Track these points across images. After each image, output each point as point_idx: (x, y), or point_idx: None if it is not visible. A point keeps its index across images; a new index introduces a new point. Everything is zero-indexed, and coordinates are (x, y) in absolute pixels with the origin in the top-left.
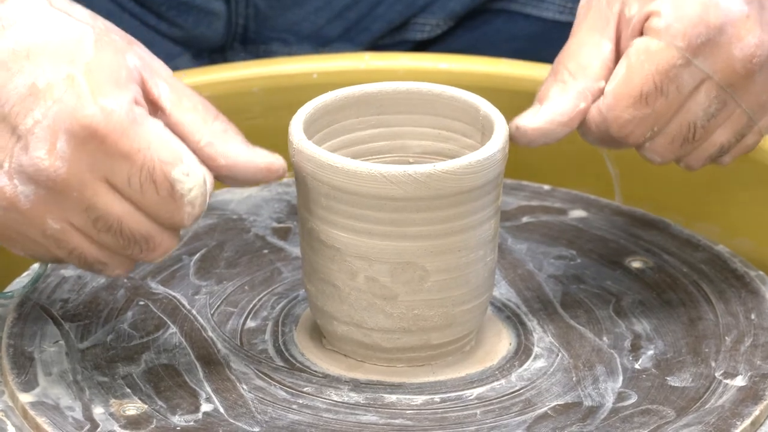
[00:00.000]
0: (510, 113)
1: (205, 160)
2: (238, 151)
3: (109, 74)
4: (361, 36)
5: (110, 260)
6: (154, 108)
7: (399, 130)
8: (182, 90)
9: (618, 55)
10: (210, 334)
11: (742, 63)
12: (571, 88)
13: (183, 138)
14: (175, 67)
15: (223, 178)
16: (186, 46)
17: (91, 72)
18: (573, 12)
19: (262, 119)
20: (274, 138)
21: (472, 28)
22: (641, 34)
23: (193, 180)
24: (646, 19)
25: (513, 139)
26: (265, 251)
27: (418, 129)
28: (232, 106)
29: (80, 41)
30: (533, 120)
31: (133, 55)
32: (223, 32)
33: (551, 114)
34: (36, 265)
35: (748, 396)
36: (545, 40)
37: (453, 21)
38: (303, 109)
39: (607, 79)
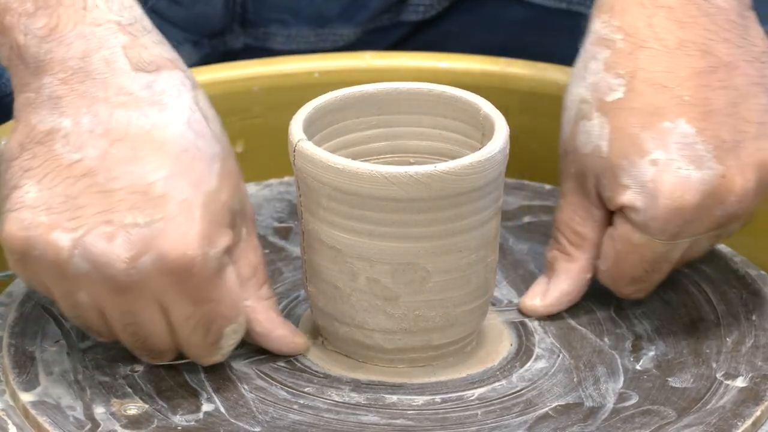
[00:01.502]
0: (510, 112)
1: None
2: (274, 324)
3: (220, 215)
4: (358, 15)
5: (110, 339)
6: (229, 251)
7: (399, 130)
8: (252, 244)
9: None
10: None
11: (727, 217)
12: (575, 265)
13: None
14: None
15: (249, 338)
16: (187, 30)
17: (207, 207)
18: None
19: (262, 118)
20: (274, 137)
21: (466, 11)
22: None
23: (237, 338)
24: (622, 207)
25: (523, 312)
26: (266, 251)
27: (418, 129)
28: (232, 105)
29: (210, 165)
30: (544, 301)
31: (239, 194)
32: (222, 12)
33: (559, 295)
34: None
35: (749, 397)
36: (538, 26)
37: (447, 1)
38: (303, 109)
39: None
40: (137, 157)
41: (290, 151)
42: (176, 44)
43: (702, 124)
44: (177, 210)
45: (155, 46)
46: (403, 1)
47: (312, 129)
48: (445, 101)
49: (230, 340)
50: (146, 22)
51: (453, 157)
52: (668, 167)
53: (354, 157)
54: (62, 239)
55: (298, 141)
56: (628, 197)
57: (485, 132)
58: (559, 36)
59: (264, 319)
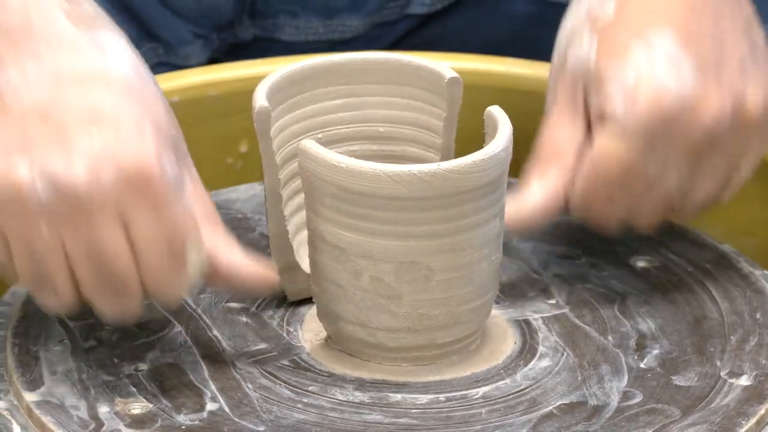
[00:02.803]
0: (514, 112)
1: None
2: (238, 259)
3: (172, 145)
4: (366, 6)
5: (68, 299)
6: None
7: (368, 99)
8: (200, 191)
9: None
10: (215, 333)
11: (703, 137)
12: (549, 181)
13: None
14: (186, 55)
15: (215, 283)
16: (196, 23)
17: (158, 132)
18: None
19: None
20: None
21: (471, 6)
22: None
23: (200, 256)
24: (603, 111)
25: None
26: (269, 250)
27: (386, 99)
28: (236, 105)
29: (156, 102)
30: (515, 218)
31: (181, 141)
32: (232, 3)
33: (531, 207)
34: None
35: (753, 395)
36: (543, 21)
37: None
38: (268, 78)
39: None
40: (86, 91)
41: (253, 116)
42: (187, 42)
43: (688, 44)
44: (130, 130)
45: (92, 8)
46: None
47: (278, 97)
48: (412, 71)
49: (194, 256)
50: None
51: (421, 126)
52: (651, 75)
53: (323, 126)
54: (21, 171)
55: (305, 143)
56: (611, 104)
57: (452, 100)
58: None
59: (227, 257)
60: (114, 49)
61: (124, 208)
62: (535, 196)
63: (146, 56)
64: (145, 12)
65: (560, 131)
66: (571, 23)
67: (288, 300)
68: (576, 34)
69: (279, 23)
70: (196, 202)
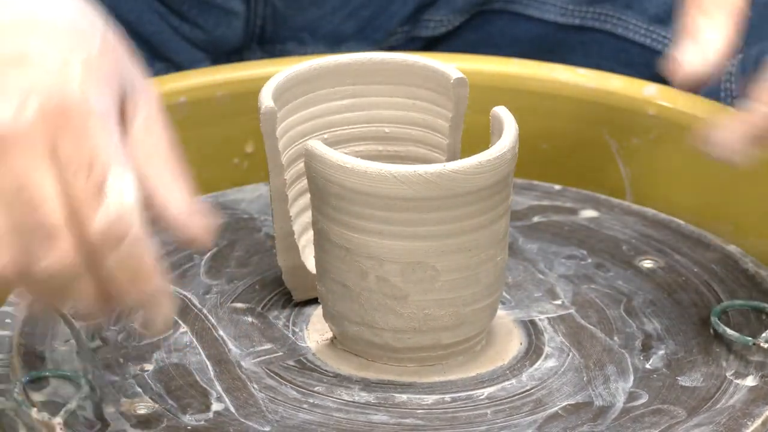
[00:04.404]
0: (520, 112)
1: (146, 196)
2: (177, 201)
3: (102, 78)
4: (375, 34)
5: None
6: (123, 130)
7: (374, 100)
8: (155, 121)
9: None
10: (221, 333)
11: None
12: (721, 22)
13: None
14: None
15: (153, 220)
16: (206, 50)
17: (88, 68)
18: (574, 15)
19: None
20: None
21: (477, 28)
22: None
23: (123, 190)
24: None
25: (673, 77)
26: (274, 251)
27: (392, 99)
28: (242, 105)
29: (88, 35)
30: (694, 62)
31: (126, 69)
32: (242, 33)
33: (716, 57)
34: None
35: (759, 396)
36: (550, 43)
37: (457, 19)
38: (274, 78)
39: None
40: (10, 38)
41: (260, 117)
42: (195, 62)
43: None
44: (56, 67)
45: None
46: (416, 17)
47: (284, 98)
48: (417, 71)
49: (116, 186)
50: None
51: (427, 126)
52: None
53: (329, 126)
54: None
55: (312, 144)
56: None
57: (458, 101)
58: (571, 53)
59: (164, 195)
60: None
61: (50, 141)
62: (713, 40)
63: (158, 74)
64: (157, 38)
65: None
66: None
67: (294, 300)
68: None
69: (287, 50)
70: (147, 137)
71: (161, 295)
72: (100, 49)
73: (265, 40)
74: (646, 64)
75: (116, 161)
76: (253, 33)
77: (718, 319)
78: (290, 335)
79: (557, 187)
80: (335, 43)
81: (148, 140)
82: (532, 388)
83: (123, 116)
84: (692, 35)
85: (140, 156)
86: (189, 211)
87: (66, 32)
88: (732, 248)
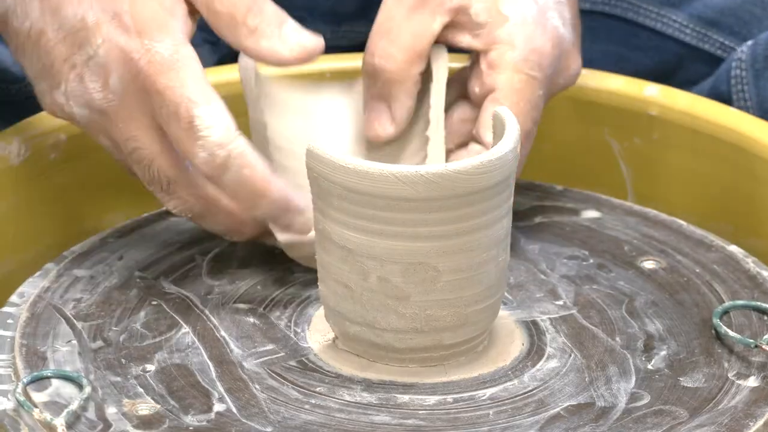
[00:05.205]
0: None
1: (245, 50)
2: (268, 47)
3: (153, 9)
4: (373, 12)
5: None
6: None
7: None
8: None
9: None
10: (222, 333)
11: (562, 87)
12: (411, 84)
13: (220, 32)
14: None
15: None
16: (205, 29)
17: (135, 9)
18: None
19: None
20: None
21: None
22: (484, 53)
23: (213, 121)
24: (494, 45)
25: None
26: (278, 251)
27: None
28: (246, 105)
29: None
30: (387, 130)
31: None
32: None
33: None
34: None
35: (761, 397)
36: None
37: None
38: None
39: None
40: (60, 1)
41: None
42: (195, 46)
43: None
44: (111, 26)
45: None
46: None
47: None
48: None
49: (206, 122)
50: None
51: None
52: None
53: None
54: (59, 97)
55: (312, 143)
56: (507, 34)
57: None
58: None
59: (259, 39)
60: None
61: (143, 103)
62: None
63: None
64: None
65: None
66: None
67: (295, 301)
68: None
69: None
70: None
71: (288, 199)
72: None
73: None
74: (656, 48)
75: (199, 98)
76: None
77: (720, 320)
78: (292, 336)
79: (559, 187)
80: (335, 22)
81: (216, 7)
82: (534, 389)
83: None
84: (385, 100)
85: (220, 19)
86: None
87: None
88: (734, 249)
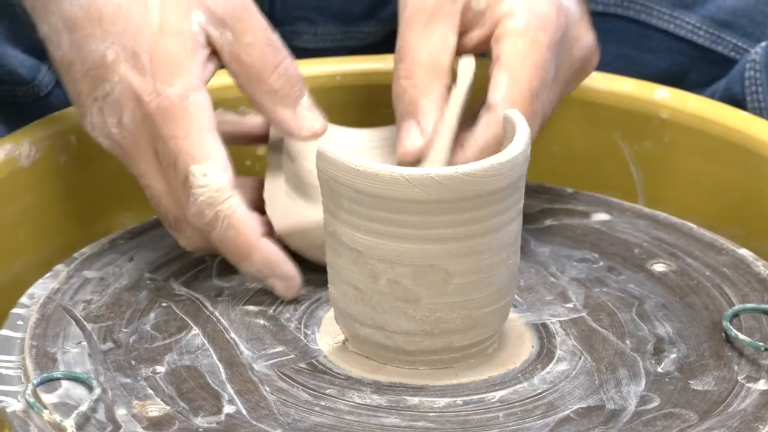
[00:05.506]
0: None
1: (260, 106)
2: (283, 115)
3: (172, 51)
4: (383, 12)
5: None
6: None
7: None
8: (245, 42)
9: (459, 47)
10: (232, 335)
11: (580, 62)
12: (436, 95)
13: (240, 80)
14: None
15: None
16: None
17: (154, 49)
18: (597, 1)
19: None
20: None
21: None
22: (491, 35)
23: (207, 181)
24: (498, 22)
25: (402, 159)
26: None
27: None
28: None
29: (144, 9)
30: (417, 143)
31: (198, 11)
32: None
33: (433, 130)
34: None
35: None
36: None
37: None
38: None
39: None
40: (86, 36)
41: (270, 139)
42: None
43: None
44: (128, 66)
45: None
46: None
47: None
48: None
49: (199, 181)
50: None
51: None
52: None
53: None
54: (86, 125)
55: (322, 146)
56: (508, 5)
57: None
58: None
59: (270, 110)
60: None
61: (152, 143)
62: (431, 116)
63: None
64: None
65: (434, 42)
66: None
67: (305, 303)
68: None
69: (297, 30)
70: (236, 59)
71: (271, 266)
72: (159, 8)
73: (275, 21)
74: (669, 50)
75: (197, 154)
76: (261, 12)
77: (730, 323)
78: (302, 338)
79: (569, 190)
80: (345, 22)
81: (243, 59)
82: (543, 392)
83: (212, 42)
84: (413, 116)
85: (239, 76)
86: (298, 117)
87: (128, 13)
88: (744, 252)
